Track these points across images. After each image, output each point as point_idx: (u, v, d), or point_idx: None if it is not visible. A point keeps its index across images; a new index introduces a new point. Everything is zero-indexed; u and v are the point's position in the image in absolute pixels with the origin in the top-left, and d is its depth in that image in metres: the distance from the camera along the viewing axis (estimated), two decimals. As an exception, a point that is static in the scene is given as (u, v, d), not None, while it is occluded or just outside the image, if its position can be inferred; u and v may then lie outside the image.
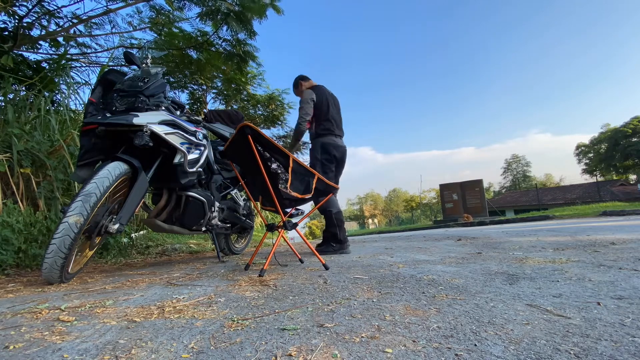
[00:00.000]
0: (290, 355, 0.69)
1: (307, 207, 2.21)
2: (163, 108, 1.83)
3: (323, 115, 2.62)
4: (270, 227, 1.91)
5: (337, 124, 2.68)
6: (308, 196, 1.75)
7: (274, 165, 1.73)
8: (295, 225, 1.86)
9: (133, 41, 5.79)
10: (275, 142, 1.69)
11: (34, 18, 4.00)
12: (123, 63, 4.58)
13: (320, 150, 2.60)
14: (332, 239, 2.61)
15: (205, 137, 2.05)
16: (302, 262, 2.07)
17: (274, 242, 1.87)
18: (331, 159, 2.62)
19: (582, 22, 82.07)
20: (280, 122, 8.60)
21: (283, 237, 1.90)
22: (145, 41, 5.92)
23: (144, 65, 1.92)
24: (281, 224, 1.80)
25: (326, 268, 1.77)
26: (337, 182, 2.63)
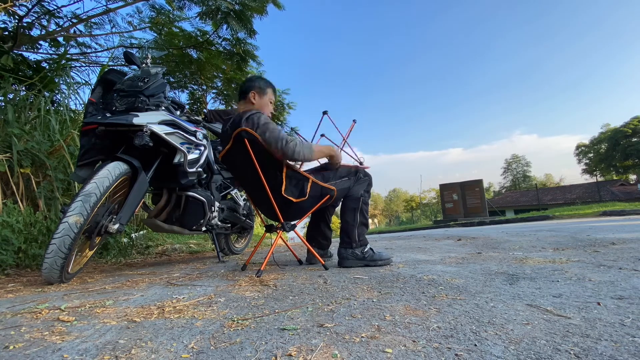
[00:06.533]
0: (290, 355, 0.69)
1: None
2: (163, 108, 1.83)
3: None
4: (269, 228, 1.91)
5: None
6: (303, 199, 1.76)
7: (270, 169, 1.74)
8: (294, 227, 1.86)
9: (133, 41, 5.79)
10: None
11: (33, 18, 4.01)
12: (123, 63, 4.58)
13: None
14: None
15: (205, 137, 2.05)
16: (301, 263, 2.07)
17: (273, 242, 1.88)
18: None
19: (564, 25, 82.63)
20: (280, 122, 8.61)
21: (281, 238, 1.90)
22: (145, 41, 5.92)
23: (144, 65, 1.92)
24: (279, 225, 1.80)
25: (326, 268, 1.77)
26: None
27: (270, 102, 1.93)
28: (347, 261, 1.82)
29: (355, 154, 2.28)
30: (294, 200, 1.73)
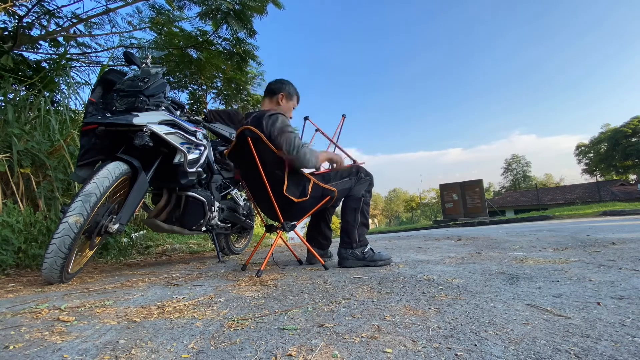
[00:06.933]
0: (290, 355, 0.69)
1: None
2: (163, 108, 1.83)
3: None
4: (269, 228, 1.91)
5: None
6: (304, 199, 1.77)
7: (273, 169, 1.74)
8: (294, 227, 1.87)
9: (133, 41, 5.79)
10: (273, 146, 1.69)
11: (33, 18, 4.00)
12: (123, 63, 4.58)
13: None
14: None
15: (205, 137, 2.05)
16: (300, 263, 2.07)
17: (273, 242, 1.88)
18: None
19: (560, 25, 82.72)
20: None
21: (281, 238, 1.90)
22: (145, 41, 5.92)
23: (144, 65, 1.92)
24: (279, 225, 1.80)
25: (326, 268, 1.77)
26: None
27: (293, 108, 2.02)
28: (347, 261, 1.82)
29: (346, 152, 2.28)
30: (295, 200, 1.74)
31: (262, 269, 1.65)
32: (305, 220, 2.22)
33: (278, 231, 1.83)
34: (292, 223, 1.85)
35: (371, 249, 1.86)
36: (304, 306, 1.05)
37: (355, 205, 1.87)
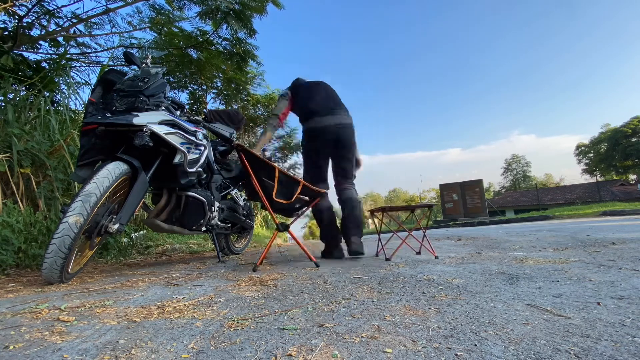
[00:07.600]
0: (290, 355, 0.69)
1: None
2: (163, 108, 1.83)
3: (299, 102, 2.53)
4: (284, 227, 2.02)
5: (315, 105, 2.42)
6: (291, 201, 1.94)
7: (264, 177, 1.96)
8: (287, 227, 1.98)
9: (133, 41, 5.78)
10: (262, 157, 1.90)
11: (33, 18, 4.00)
12: (123, 63, 4.57)
13: (302, 138, 2.53)
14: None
15: (205, 137, 2.05)
16: (317, 266, 2.04)
17: (272, 242, 1.92)
18: (308, 147, 2.44)
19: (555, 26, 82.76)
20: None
21: (294, 238, 2.02)
22: (145, 41, 5.91)
23: (144, 65, 1.92)
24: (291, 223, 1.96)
25: (317, 265, 1.86)
26: (316, 164, 2.41)
27: None
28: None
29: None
30: (284, 202, 1.92)
31: (257, 264, 1.65)
32: (305, 221, 2.28)
33: (274, 231, 1.96)
34: (286, 224, 1.98)
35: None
36: (304, 306, 1.05)
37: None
